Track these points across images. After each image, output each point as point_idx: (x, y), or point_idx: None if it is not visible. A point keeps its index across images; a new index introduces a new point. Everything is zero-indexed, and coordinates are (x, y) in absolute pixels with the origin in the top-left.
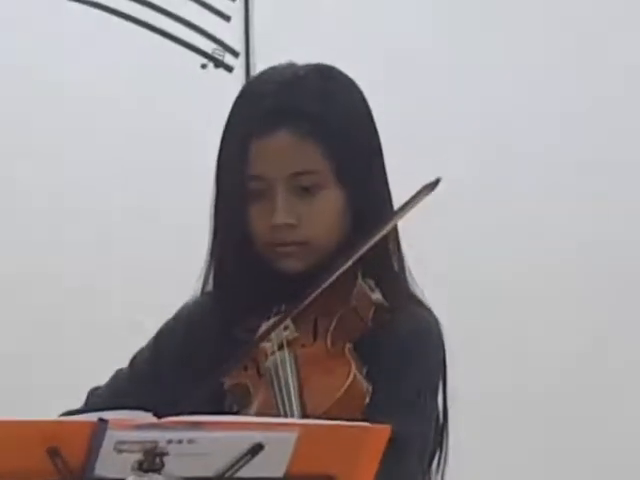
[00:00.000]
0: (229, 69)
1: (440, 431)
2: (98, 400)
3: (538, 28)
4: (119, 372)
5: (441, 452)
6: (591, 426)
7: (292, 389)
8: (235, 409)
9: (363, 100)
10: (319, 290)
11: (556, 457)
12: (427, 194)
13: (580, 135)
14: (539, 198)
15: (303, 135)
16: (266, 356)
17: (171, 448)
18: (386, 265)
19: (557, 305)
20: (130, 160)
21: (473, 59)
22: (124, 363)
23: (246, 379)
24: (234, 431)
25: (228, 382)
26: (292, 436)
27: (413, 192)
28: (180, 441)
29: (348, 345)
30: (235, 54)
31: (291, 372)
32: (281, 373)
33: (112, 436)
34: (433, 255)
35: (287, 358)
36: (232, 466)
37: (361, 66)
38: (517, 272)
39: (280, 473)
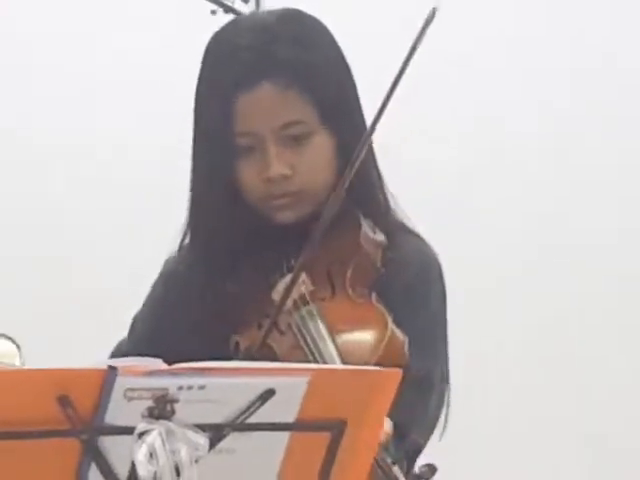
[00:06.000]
0: (239, 15)
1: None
2: None
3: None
4: (120, 345)
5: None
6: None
7: (329, 344)
8: None
9: (334, 39)
10: (324, 226)
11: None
12: (427, 26)
13: None
14: None
15: (286, 85)
16: (289, 313)
17: (182, 395)
18: (375, 200)
19: None
20: (138, 108)
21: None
22: None
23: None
24: (245, 377)
25: (243, 342)
26: (303, 381)
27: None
28: (190, 387)
29: (373, 294)
30: None
31: (323, 327)
32: (313, 330)
33: (122, 383)
34: None
35: (316, 314)
36: (243, 412)
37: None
38: None
39: (291, 418)
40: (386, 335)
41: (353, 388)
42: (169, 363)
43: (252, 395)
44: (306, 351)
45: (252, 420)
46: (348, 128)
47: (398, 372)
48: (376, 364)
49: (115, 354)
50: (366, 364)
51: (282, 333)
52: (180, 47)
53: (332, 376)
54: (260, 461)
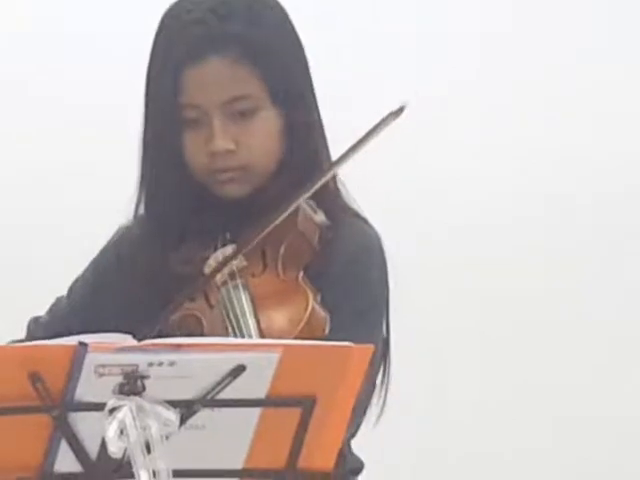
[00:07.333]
0: None
1: (384, 345)
2: (40, 330)
3: None
4: (58, 301)
5: (385, 366)
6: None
7: (249, 321)
8: None
9: (288, 18)
10: (273, 225)
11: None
12: (392, 121)
13: None
14: None
15: (235, 59)
16: (217, 287)
17: (152, 371)
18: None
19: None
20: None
21: None
22: None
23: (195, 310)
24: (215, 353)
25: (175, 314)
26: (274, 356)
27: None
28: (161, 363)
29: (300, 273)
30: None
31: (246, 303)
32: (236, 304)
33: (92, 359)
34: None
35: (241, 289)
36: (214, 388)
37: None
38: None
39: (262, 394)
40: (305, 314)
41: (324, 364)
42: (139, 338)
43: (223, 371)
44: (228, 325)
45: (223, 396)
46: (297, 107)
47: (369, 348)
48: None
49: (53, 309)
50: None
51: (211, 307)
52: (137, 14)
53: (303, 352)
54: (231, 437)
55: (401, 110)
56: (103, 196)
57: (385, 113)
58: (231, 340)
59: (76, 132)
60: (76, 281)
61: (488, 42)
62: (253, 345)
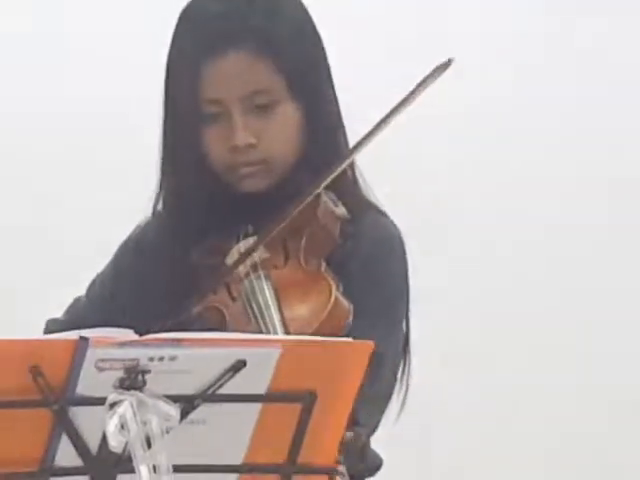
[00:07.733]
0: None
1: (404, 339)
2: (57, 328)
3: None
4: (76, 301)
5: (405, 361)
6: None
7: (273, 312)
8: None
9: (307, 12)
10: (294, 213)
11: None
12: (439, 75)
13: None
14: None
15: (255, 54)
16: (240, 279)
17: (153, 365)
18: (342, 174)
19: None
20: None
21: None
22: None
23: (217, 303)
24: (216, 348)
25: (197, 307)
26: (275, 352)
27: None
28: (162, 358)
29: (323, 264)
30: None
31: (269, 294)
32: (259, 295)
33: (93, 354)
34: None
35: (263, 280)
36: (214, 383)
37: None
38: None
39: (262, 390)
40: (329, 304)
41: (324, 359)
42: (140, 333)
43: (223, 366)
44: (251, 317)
45: (223, 391)
46: (316, 100)
47: (369, 344)
48: (317, 330)
49: (71, 310)
50: (307, 330)
51: (234, 299)
52: (137, 14)
53: (303, 347)
54: (231, 432)
55: (449, 63)
56: (104, 197)
57: (432, 67)
58: (232, 335)
59: (77, 131)
60: (94, 281)
61: (488, 42)
62: (254, 340)
